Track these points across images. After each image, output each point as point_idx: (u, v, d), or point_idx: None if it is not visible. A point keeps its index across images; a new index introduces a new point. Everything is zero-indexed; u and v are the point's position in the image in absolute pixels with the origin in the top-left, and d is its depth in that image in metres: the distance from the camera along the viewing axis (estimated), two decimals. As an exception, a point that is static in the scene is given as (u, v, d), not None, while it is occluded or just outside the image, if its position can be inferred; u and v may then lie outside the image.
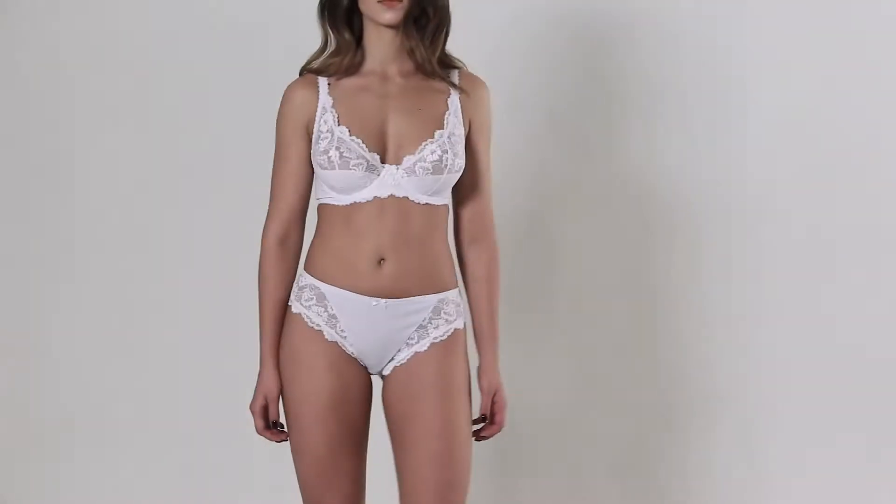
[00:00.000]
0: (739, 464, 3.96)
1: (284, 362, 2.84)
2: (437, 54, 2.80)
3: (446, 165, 2.75)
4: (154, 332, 4.16)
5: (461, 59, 2.90)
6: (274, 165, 2.86)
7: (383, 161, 2.75)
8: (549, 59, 3.92)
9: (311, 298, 2.80)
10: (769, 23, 3.91)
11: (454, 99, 2.80)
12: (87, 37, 4.15)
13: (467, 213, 2.89)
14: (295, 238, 2.87)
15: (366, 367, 2.84)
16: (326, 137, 2.76)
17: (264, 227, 2.87)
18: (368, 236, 2.75)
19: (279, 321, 2.85)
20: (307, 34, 4.02)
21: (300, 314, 2.82)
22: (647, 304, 3.95)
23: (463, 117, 2.81)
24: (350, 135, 2.75)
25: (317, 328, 2.80)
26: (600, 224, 3.94)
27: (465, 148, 2.85)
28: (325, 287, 2.79)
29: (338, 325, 2.78)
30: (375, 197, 2.75)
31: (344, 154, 2.74)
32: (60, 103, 4.17)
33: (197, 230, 4.13)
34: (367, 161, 2.74)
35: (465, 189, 2.88)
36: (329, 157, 2.75)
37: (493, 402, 2.87)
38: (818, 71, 3.90)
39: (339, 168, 2.74)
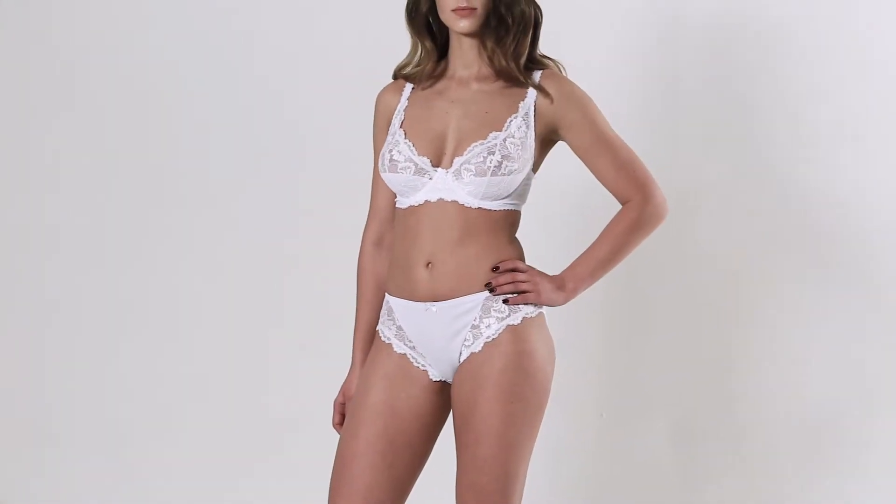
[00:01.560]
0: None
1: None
2: (523, 59, 2.78)
3: (489, 168, 2.72)
4: (153, 333, 4.15)
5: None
6: (374, 167, 2.92)
7: (437, 165, 2.75)
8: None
9: (385, 314, 2.83)
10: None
11: (529, 101, 2.77)
12: (81, 37, 4.11)
13: (611, 189, 2.83)
14: (390, 239, 2.89)
15: (442, 382, 2.81)
16: (388, 141, 2.80)
17: (365, 227, 2.92)
18: (418, 241, 2.75)
19: (370, 323, 2.89)
20: (299, 39, 4.06)
21: (379, 330, 2.85)
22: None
23: (536, 120, 2.77)
24: (405, 138, 2.78)
25: (387, 341, 2.81)
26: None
27: (573, 148, 2.82)
28: (391, 300, 2.81)
29: (405, 337, 2.79)
30: (426, 201, 2.75)
31: (394, 157, 2.77)
32: (54, 105, 4.13)
33: (195, 231, 4.13)
34: (416, 164, 2.74)
35: (601, 177, 2.82)
36: (383, 160, 2.79)
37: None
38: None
39: (389, 171, 2.77)
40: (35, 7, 4.13)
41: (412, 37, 2.86)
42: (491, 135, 2.75)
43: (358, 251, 2.94)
